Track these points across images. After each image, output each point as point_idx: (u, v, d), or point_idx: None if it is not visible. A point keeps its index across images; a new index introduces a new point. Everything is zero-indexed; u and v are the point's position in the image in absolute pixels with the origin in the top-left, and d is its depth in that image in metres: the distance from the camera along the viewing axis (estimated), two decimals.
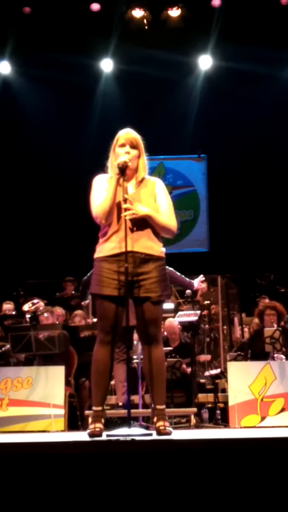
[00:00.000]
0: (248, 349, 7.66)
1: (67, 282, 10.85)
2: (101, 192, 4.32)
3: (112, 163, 4.37)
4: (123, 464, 3.19)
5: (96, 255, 4.33)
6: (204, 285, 7.17)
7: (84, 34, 11.89)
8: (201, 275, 7.23)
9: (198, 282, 7.15)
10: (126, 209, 4.19)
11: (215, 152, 13.08)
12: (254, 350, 7.47)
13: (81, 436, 4.53)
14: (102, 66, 12.82)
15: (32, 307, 7.99)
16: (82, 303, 9.23)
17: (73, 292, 10.75)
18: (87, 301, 8.82)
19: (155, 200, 4.36)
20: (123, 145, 4.35)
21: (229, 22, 11.77)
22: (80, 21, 11.65)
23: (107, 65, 12.80)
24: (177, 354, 7.89)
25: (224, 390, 7.92)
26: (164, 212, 4.34)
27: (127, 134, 4.39)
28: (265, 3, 11.65)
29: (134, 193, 4.32)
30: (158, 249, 4.31)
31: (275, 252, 12.00)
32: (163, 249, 4.37)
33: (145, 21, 11.65)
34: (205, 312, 9.60)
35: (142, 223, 4.25)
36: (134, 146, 4.36)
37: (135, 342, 7.04)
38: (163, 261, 4.34)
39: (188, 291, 8.64)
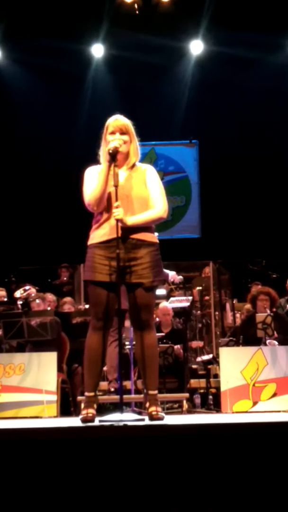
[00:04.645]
0: (240, 334, 7.68)
1: (63, 268, 10.83)
2: (93, 183, 4.31)
3: (104, 151, 4.36)
4: (116, 449, 3.20)
5: (89, 242, 4.33)
6: (179, 277, 7.42)
7: (75, 19, 11.82)
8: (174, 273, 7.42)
9: (173, 275, 7.31)
10: (117, 207, 4.17)
11: (207, 138, 13.05)
12: (246, 335, 7.49)
13: (74, 421, 4.54)
14: (93, 51, 12.76)
15: (24, 294, 7.97)
16: None
17: (65, 278, 10.74)
18: None
19: (146, 186, 4.35)
20: (113, 133, 4.33)
21: (220, 7, 11.73)
22: (71, 6, 11.57)
23: (97, 50, 12.73)
24: (169, 340, 7.90)
25: (216, 376, 7.95)
26: (155, 196, 4.33)
27: (116, 121, 4.37)
28: None
29: (125, 181, 4.30)
30: (149, 233, 4.31)
31: (267, 238, 12.02)
32: (156, 234, 4.37)
33: (136, 5, 11.57)
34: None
35: (131, 209, 4.24)
36: (124, 132, 4.34)
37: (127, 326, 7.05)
38: (156, 246, 4.33)
39: (180, 277, 8.65)
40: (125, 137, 4.33)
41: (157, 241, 4.36)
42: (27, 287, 8.18)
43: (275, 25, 11.94)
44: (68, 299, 9.01)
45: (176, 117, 13.02)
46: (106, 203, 4.26)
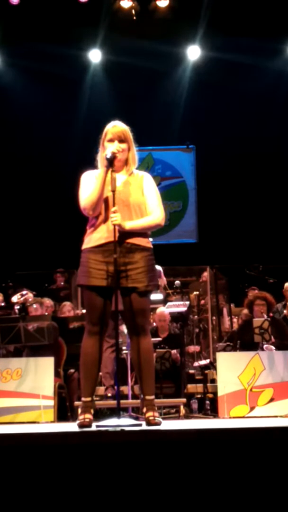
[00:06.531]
0: (237, 339, 7.68)
1: (58, 273, 10.85)
2: (89, 187, 4.32)
3: (101, 157, 4.36)
4: (113, 454, 3.20)
5: (83, 246, 4.33)
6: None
7: (72, 25, 11.84)
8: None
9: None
10: (114, 212, 4.18)
11: (204, 143, 13.08)
12: (243, 340, 7.49)
13: (71, 427, 4.53)
14: (90, 56, 12.79)
15: (21, 299, 7.97)
16: None
17: (62, 283, 10.74)
18: None
19: (143, 193, 4.36)
20: (111, 140, 4.34)
21: (217, 13, 11.76)
22: (68, 11, 11.59)
23: (95, 55, 12.76)
24: (166, 344, 7.90)
25: (213, 381, 7.95)
26: (153, 203, 4.34)
27: (114, 128, 4.37)
28: None
29: (123, 186, 4.31)
30: (144, 239, 4.31)
31: (263, 243, 12.03)
32: (150, 239, 4.38)
33: (133, 11, 11.60)
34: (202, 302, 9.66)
35: (128, 215, 4.25)
36: (122, 140, 4.34)
37: (125, 331, 7.05)
38: (150, 251, 4.33)
39: (177, 282, 8.65)
40: (124, 145, 4.34)
41: (151, 246, 4.37)
42: (24, 292, 8.18)
43: (272, 31, 11.97)
44: (67, 302, 9.02)
45: (173, 122, 13.05)
46: (102, 208, 4.27)
